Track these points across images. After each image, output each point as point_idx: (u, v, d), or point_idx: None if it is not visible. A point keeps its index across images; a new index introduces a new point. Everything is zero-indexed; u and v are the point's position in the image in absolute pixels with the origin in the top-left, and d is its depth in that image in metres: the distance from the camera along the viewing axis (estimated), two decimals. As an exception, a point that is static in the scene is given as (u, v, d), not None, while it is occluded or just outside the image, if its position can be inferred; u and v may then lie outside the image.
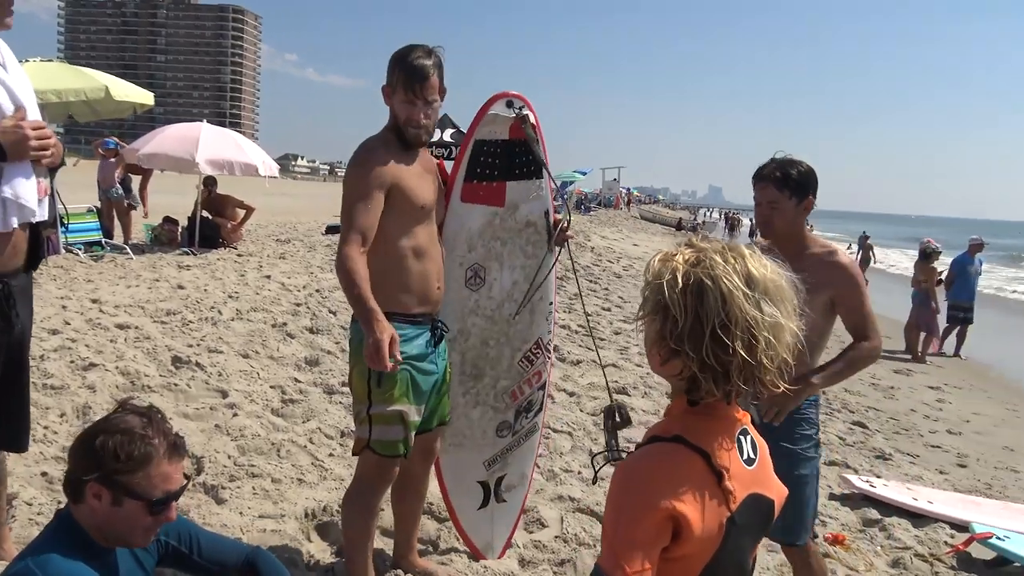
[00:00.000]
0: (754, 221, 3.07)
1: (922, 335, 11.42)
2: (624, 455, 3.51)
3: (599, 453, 3.17)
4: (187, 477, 2.03)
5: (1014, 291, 26.07)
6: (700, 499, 1.32)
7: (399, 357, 2.61)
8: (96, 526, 1.93)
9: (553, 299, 3.41)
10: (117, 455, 1.86)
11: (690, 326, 1.33)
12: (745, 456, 1.43)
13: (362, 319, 2.61)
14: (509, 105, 3.10)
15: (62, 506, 3.38)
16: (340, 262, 2.65)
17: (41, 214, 2.52)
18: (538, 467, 4.64)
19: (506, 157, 3.16)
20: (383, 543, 3.43)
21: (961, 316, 11.91)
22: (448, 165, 3.24)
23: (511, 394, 3.34)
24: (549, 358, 3.43)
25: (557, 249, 3.30)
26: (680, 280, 1.35)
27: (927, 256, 11.68)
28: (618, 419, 3.28)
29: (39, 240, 2.61)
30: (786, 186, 2.82)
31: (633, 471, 1.35)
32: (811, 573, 2.96)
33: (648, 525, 1.30)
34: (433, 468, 3.32)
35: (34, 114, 2.53)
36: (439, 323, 2.97)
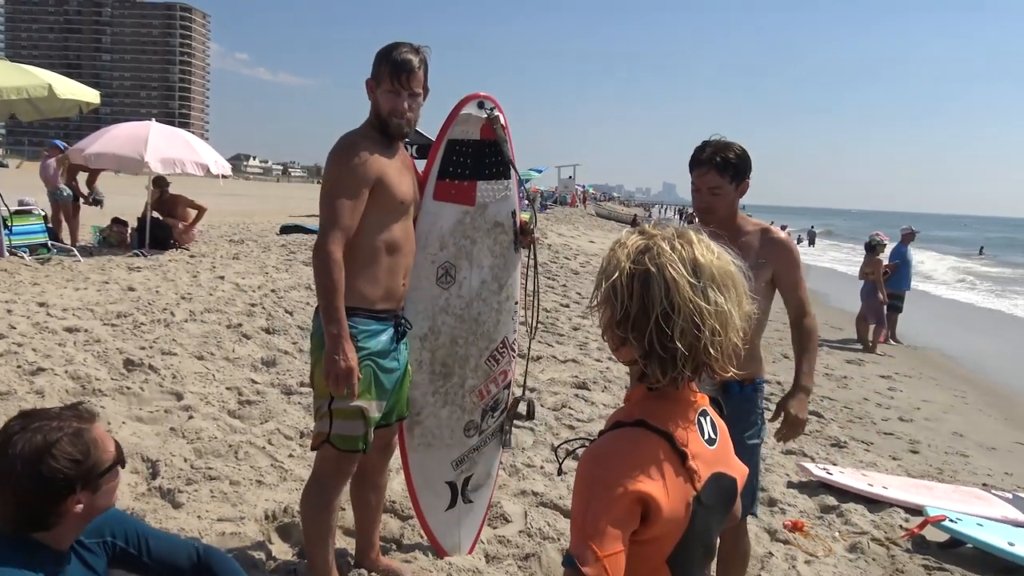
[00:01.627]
0: (692, 208, 3.09)
1: (871, 326, 11.67)
2: (509, 437, 3.51)
3: (561, 445, 3.18)
4: None
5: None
6: (666, 481, 1.33)
7: (355, 389, 2.67)
8: (74, 529, 1.89)
9: (519, 298, 3.42)
10: (76, 459, 1.80)
11: (635, 314, 1.35)
12: (706, 436, 1.45)
13: (330, 335, 2.62)
14: (480, 106, 3.11)
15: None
16: (322, 261, 2.64)
17: None
18: (501, 463, 4.64)
19: (477, 157, 3.17)
20: (346, 543, 3.39)
21: (899, 305, 12.25)
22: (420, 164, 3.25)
23: (478, 393, 3.33)
24: (514, 357, 3.43)
25: (523, 250, 3.33)
26: (627, 269, 1.37)
27: (873, 248, 11.94)
28: (523, 412, 3.35)
29: None
30: (727, 171, 2.84)
31: (599, 456, 1.36)
32: (744, 543, 3.10)
33: (617, 509, 1.30)
34: (403, 468, 3.30)
35: None
36: (403, 319, 2.95)
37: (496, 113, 3.14)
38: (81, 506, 1.85)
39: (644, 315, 1.34)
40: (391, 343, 2.85)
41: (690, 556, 1.41)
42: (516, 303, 3.40)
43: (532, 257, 3.32)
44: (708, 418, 1.48)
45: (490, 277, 3.27)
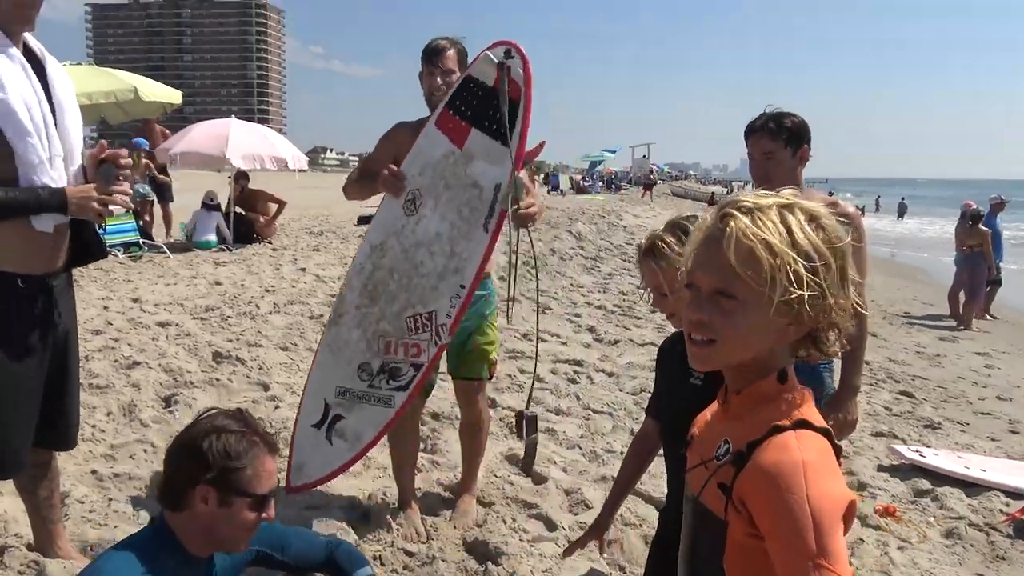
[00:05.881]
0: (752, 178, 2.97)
1: (962, 299, 11.21)
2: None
3: (522, 412, 3.15)
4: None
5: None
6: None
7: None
8: (199, 531, 1.92)
9: (469, 285, 3.13)
10: (228, 454, 1.85)
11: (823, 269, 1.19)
12: None
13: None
14: (506, 55, 3.05)
15: (113, 504, 3.45)
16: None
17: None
18: (580, 448, 4.64)
19: (483, 104, 3.10)
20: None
21: (999, 278, 11.78)
22: None
23: (385, 343, 3.23)
24: (437, 341, 3.18)
25: (518, 231, 3.15)
26: (783, 227, 1.20)
27: (976, 219, 11.44)
28: (525, 429, 3.24)
29: (83, 239, 2.63)
30: (780, 135, 2.75)
31: (806, 468, 1.17)
32: None
33: (840, 524, 1.17)
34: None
35: (75, 119, 2.57)
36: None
37: (510, 62, 3.01)
38: (205, 506, 1.88)
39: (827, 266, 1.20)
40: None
41: None
42: (462, 287, 3.13)
43: (527, 240, 3.18)
44: None
45: (446, 235, 3.12)
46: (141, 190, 12.89)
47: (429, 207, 3.18)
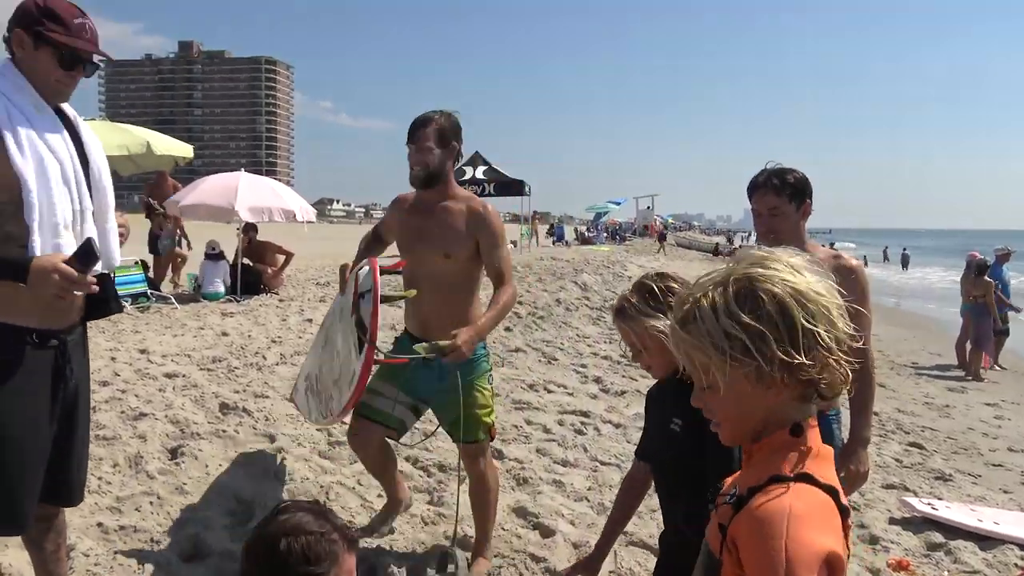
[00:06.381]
0: (756, 233, 3.04)
1: (968, 350, 11.18)
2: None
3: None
4: None
5: None
6: (841, 541, 1.26)
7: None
8: None
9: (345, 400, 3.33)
10: (307, 558, 1.75)
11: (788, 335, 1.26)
12: None
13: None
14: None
15: (119, 557, 3.42)
16: None
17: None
18: (588, 500, 4.60)
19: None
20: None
21: (1007, 328, 11.76)
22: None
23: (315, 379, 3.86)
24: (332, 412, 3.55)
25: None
26: (712, 316, 1.29)
27: (983, 269, 11.47)
28: (449, 568, 3.33)
29: (101, 293, 2.64)
30: (784, 191, 2.79)
31: (790, 516, 1.22)
32: None
33: (813, 574, 1.19)
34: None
35: (108, 177, 2.66)
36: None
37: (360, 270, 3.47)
38: None
39: (793, 331, 1.26)
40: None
41: None
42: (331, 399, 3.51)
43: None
44: None
45: (340, 354, 3.48)
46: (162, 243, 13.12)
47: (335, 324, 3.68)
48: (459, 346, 3.14)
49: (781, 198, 2.79)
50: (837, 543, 1.23)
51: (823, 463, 1.32)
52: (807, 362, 1.25)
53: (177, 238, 13.28)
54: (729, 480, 1.49)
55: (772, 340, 1.25)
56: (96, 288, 2.42)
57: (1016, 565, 4.13)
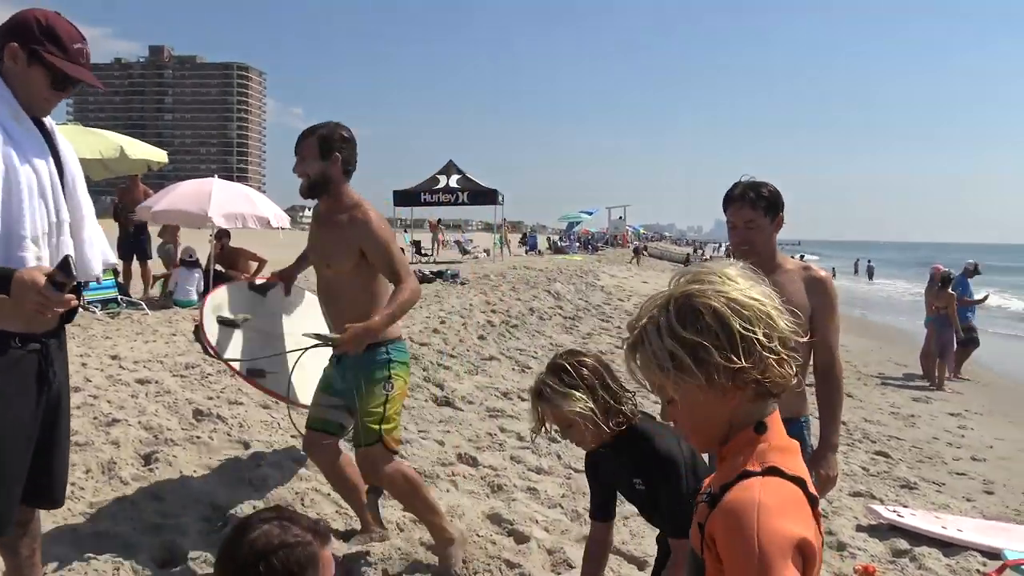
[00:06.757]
0: (730, 245, 3.15)
1: (936, 360, 11.41)
2: None
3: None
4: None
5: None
6: (812, 527, 1.33)
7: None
8: None
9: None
10: (290, 571, 1.74)
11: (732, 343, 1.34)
12: None
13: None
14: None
15: (93, 563, 3.40)
16: None
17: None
18: (561, 507, 4.65)
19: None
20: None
21: (976, 337, 12.06)
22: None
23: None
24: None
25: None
26: (657, 340, 1.37)
27: (946, 282, 11.73)
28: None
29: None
30: (759, 204, 2.87)
31: (760, 508, 1.28)
32: None
33: (792, 562, 1.25)
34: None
35: (83, 188, 2.67)
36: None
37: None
38: None
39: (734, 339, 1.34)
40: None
41: None
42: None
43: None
44: None
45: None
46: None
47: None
48: (347, 339, 3.30)
49: (756, 211, 2.87)
50: (808, 530, 1.30)
51: (789, 456, 1.40)
52: (747, 365, 1.33)
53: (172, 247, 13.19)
54: (706, 481, 1.55)
55: (714, 350, 1.33)
56: (75, 303, 2.39)
57: (978, 571, 4.24)
